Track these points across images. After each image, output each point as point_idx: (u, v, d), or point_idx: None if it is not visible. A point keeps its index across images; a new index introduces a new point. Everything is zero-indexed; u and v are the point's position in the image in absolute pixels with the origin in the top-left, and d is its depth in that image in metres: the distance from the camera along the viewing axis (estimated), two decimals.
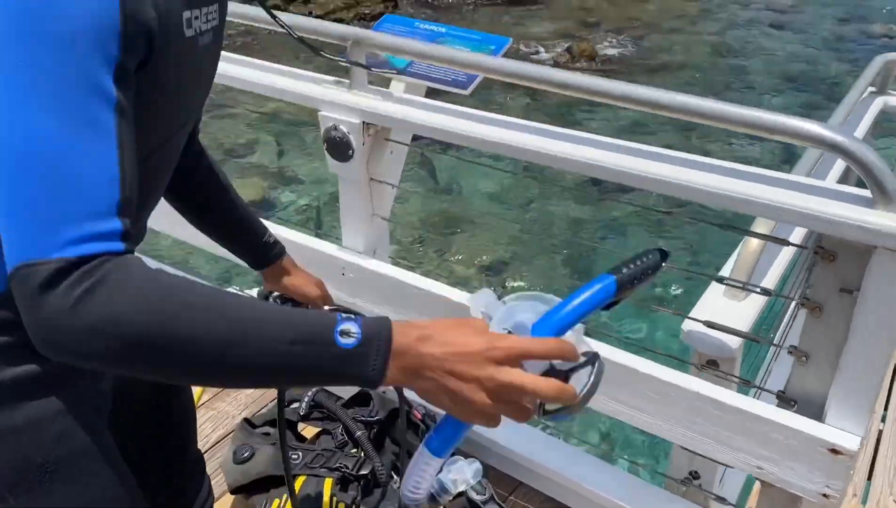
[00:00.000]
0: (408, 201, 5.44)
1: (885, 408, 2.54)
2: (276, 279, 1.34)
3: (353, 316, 0.73)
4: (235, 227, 1.29)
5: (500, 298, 0.82)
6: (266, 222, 1.99)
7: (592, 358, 0.77)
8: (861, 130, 2.28)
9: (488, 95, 7.47)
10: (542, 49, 9.99)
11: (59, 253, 0.61)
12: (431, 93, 1.84)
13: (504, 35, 1.70)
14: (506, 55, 1.68)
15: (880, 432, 2.44)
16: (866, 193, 1.21)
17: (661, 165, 1.38)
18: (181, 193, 1.21)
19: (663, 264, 0.81)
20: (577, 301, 0.76)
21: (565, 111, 7.24)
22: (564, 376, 0.75)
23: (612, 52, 10.05)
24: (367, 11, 10.62)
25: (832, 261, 1.29)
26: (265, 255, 1.32)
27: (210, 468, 2.04)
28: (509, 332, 0.76)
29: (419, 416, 1.91)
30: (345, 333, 0.70)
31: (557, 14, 11.48)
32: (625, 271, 0.78)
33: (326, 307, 1.38)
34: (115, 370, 0.79)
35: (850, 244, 1.24)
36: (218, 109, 7.04)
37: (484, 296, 0.82)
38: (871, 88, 2.48)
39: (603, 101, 1.38)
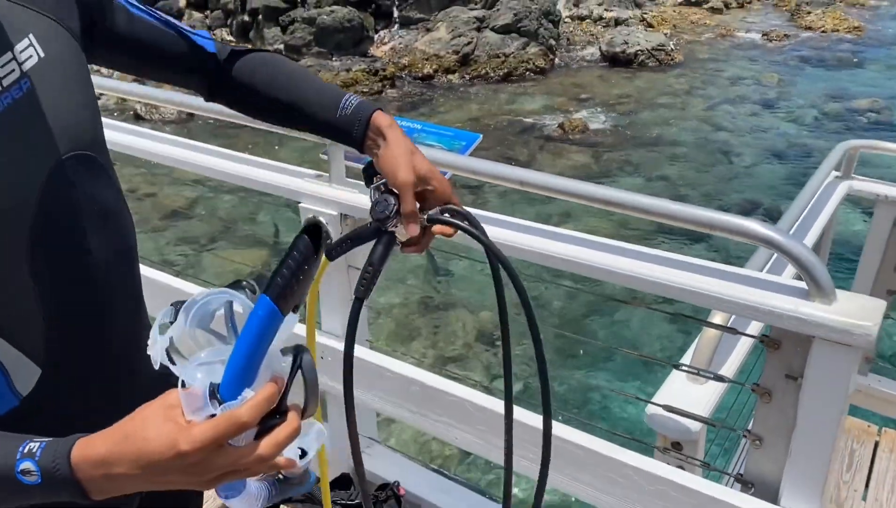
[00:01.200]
0: (398, 288, 5.53)
1: (867, 486, 2.56)
2: (370, 149, 1.04)
3: (35, 444, 0.72)
4: (302, 114, 1.07)
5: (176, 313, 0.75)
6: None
7: (296, 363, 0.73)
8: (825, 214, 2.38)
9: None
10: (535, 124, 10.26)
11: None
12: None
13: (497, 114, 1.81)
14: (501, 130, 1.78)
15: None
16: (804, 285, 1.29)
17: (625, 259, 1.46)
18: (235, 102, 1.13)
19: (319, 248, 0.72)
20: (247, 344, 0.71)
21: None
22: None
23: (602, 127, 10.32)
24: (365, 90, 10.94)
25: (777, 349, 1.36)
26: (349, 134, 1.03)
27: None
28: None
29: (402, 491, 1.95)
30: (26, 472, 0.71)
31: (550, 90, 11.81)
32: (278, 280, 0.71)
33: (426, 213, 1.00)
34: None
35: (792, 334, 1.31)
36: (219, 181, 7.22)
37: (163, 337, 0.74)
38: (835, 173, 2.59)
39: (557, 197, 1.48)
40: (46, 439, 0.74)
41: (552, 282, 5.28)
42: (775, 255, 1.76)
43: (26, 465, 0.72)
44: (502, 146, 8.84)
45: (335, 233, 1.78)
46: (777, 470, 1.42)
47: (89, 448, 0.72)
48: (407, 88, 11.69)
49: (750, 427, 1.46)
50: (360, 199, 1.75)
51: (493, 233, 1.60)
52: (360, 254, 1.86)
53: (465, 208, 1.01)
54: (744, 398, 2.11)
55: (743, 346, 1.72)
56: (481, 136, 1.82)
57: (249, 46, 1.17)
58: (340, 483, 2.05)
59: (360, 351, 1.91)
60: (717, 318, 1.52)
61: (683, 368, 1.53)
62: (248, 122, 1.95)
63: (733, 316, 1.54)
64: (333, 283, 1.94)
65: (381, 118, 1.02)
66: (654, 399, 1.60)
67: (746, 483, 1.48)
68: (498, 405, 1.71)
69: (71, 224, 0.89)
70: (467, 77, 12.30)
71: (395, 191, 0.96)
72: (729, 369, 1.69)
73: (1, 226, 0.82)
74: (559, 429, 1.63)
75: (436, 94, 11.53)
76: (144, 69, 1.10)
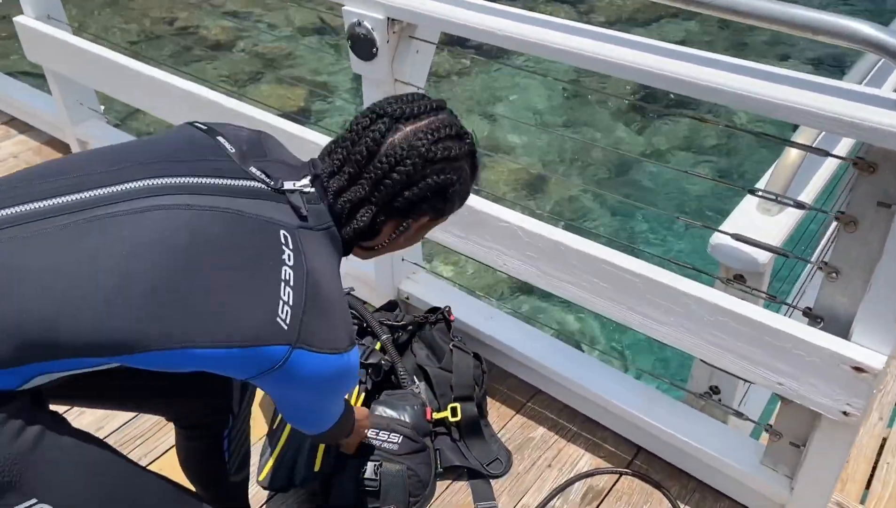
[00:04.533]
0: None
1: None
2: None
3: None
4: None
5: None
6: (297, 125, 1.98)
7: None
8: None
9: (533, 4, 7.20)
10: None
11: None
12: None
13: None
14: None
15: None
16: None
17: (703, 68, 1.30)
18: None
19: None
20: None
21: (612, 27, 6.96)
22: None
23: None
24: None
25: (872, 173, 1.21)
26: None
27: None
28: None
29: (453, 317, 1.92)
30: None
31: None
32: None
33: None
34: None
35: (893, 155, 1.17)
36: (258, 16, 6.95)
37: None
38: None
39: None
40: None
41: (612, 95, 4.97)
42: (874, 70, 1.58)
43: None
44: None
45: (381, 40, 1.64)
46: (852, 305, 1.32)
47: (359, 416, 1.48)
48: None
49: (826, 259, 1.34)
50: (409, 0, 1.59)
51: (541, 35, 1.44)
52: (409, 65, 1.73)
53: None
54: (811, 231, 1.98)
55: (824, 172, 1.58)
56: None
57: None
58: (386, 306, 2.03)
59: None
60: (804, 136, 1.37)
61: (759, 193, 1.40)
62: None
63: (820, 135, 1.39)
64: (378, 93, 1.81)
65: None
66: (721, 228, 1.49)
67: (815, 318, 1.39)
68: (551, 232, 1.62)
69: None
70: None
71: None
72: (806, 197, 1.56)
73: None
74: (614, 256, 1.54)
75: None
76: None
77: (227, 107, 2.04)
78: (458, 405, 1.77)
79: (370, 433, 1.60)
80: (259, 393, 1.93)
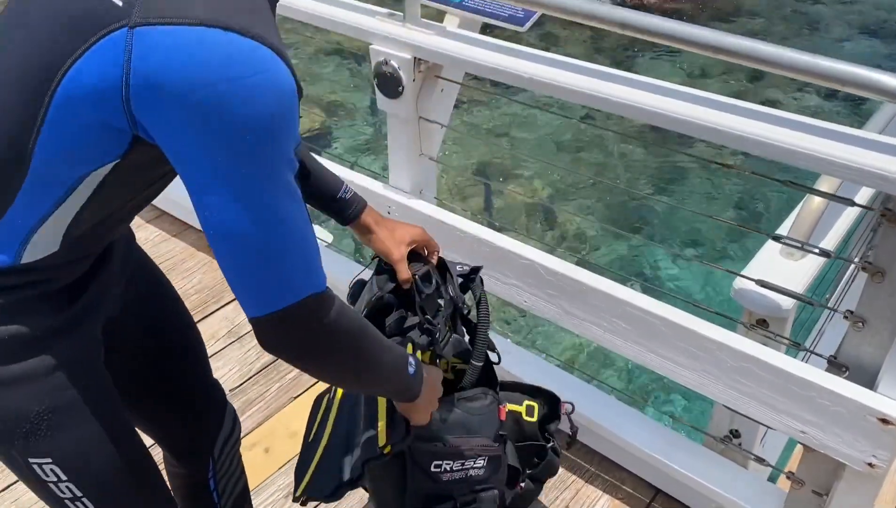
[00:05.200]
0: (461, 146, 5.36)
1: None
2: (363, 236, 1.29)
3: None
4: (308, 189, 1.22)
5: None
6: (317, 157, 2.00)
7: None
8: None
9: (545, 34, 7.26)
10: None
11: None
12: (487, 29, 1.78)
13: None
14: None
15: None
16: None
17: (724, 114, 1.31)
18: None
19: None
20: None
21: (629, 55, 7.01)
22: None
23: None
24: None
25: None
26: (341, 213, 1.26)
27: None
28: None
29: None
30: (411, 364, 1.05)
31: None
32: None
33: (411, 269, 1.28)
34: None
35: None
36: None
37: None
38: None
39: (663, 42, 1.31)
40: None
41: (632, 138, 4.97)
42: (895, 118, 1.58)
43: (412, 359, 1.05)
44: None
45: (407, 79, 1.65)
46: (878, 355, 1.32)
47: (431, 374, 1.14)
48: None
49: (852, 308, 1.34)
50: (435, 41, 1.61)
51: (568, 78, 1.45)
52: (433, 103, 1.75)
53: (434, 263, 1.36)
54: (830, 276, 1.97)
55: (846, 219, 1.58)
56: None
57: None
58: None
59: (428, 208, 1.82)
60: (825, 185, 1.38)
61: (784, 240, 1.40)
62: None
63: (841, 183, 1.39)
64: (403, 138, 1.83)
65: (371, 217, 1.27)
66: (744, 272, 1.49)
67: (840, 367, 1.38)
68: (573, 271, 1.62)
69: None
70: None
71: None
72: (828, 244, 1.55)
73: None
74: (638, 298, 1.54)
75: None
76: None
77: None
78: (535, 403, 1.60)
79: (455, 465, 1.39)
80: (283, 420, 1.92)
